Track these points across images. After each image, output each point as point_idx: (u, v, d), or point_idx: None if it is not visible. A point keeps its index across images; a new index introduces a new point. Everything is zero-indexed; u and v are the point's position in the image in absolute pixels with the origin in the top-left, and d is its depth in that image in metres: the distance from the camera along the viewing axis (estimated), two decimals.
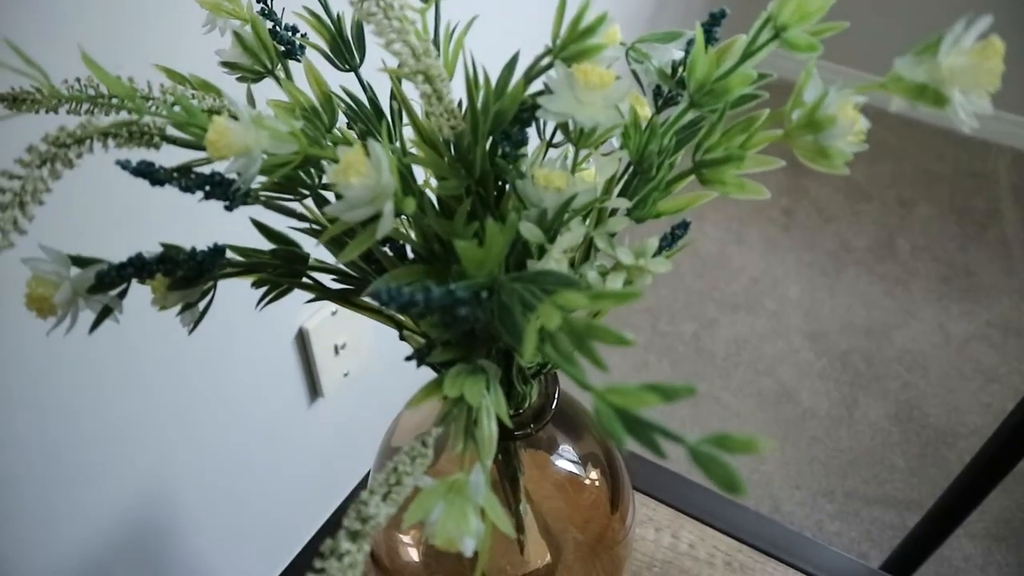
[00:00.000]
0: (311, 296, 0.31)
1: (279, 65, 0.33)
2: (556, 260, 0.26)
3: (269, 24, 0.33)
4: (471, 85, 0.25)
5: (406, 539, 0.47)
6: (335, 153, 0.24)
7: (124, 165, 0.23)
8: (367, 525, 0.22)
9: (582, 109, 0.25)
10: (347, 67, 0.32)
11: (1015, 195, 1.73)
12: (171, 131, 0.25)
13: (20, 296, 0.23)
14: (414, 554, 0.47)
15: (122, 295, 0.25)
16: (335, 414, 0.92)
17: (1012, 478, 1.26)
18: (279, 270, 0.29)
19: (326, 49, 0.32)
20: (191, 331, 0.28)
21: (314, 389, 0.85)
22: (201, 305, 0.28)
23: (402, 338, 0.35)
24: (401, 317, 0.34)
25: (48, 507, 0.57)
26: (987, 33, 0.21)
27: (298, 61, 0.33)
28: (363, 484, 0.58)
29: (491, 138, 0.26)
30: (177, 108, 0.25)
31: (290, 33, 0.33)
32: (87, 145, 0.23)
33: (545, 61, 0.26)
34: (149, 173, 0.23)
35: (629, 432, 0.18)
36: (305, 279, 0.30)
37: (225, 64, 0.32)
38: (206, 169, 0.25)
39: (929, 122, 1.92)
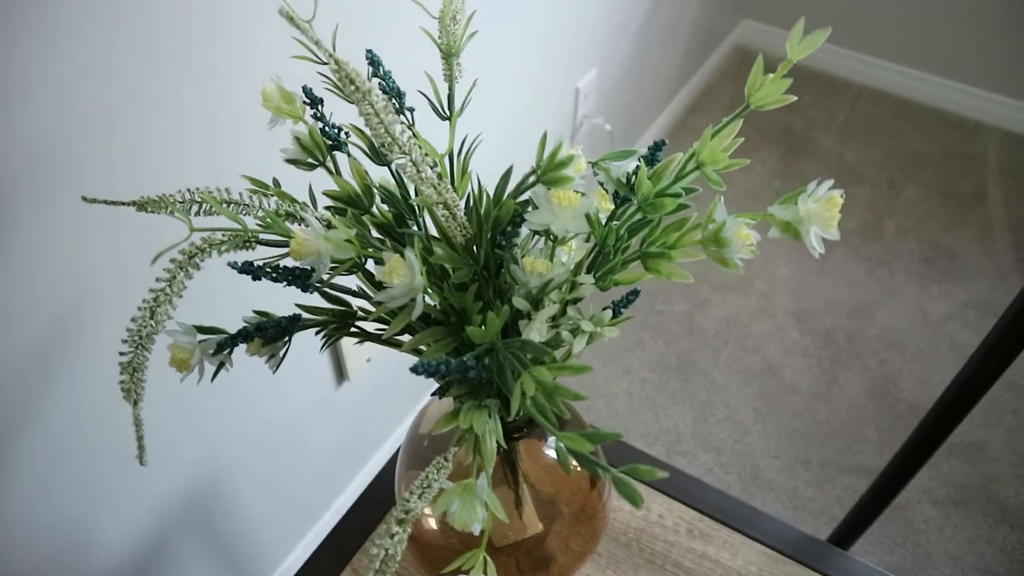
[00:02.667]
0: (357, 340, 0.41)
1: (328, 158, 0.42)
2: (539, 327, 0.36)
3: (319, 124, 0.42)
4: (476, 200, 0.35)
5: (427, 511, 0.58)
6: (379, 254, 0.34)
7: (233, 266, 0.33)
8: (409, 515, 0.32)
9: (557, 221, 0.35)
10: (381, 163, 0.41)
11: (1002, 176, 1.80)
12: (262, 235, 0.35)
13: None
14: (433, 523, 0.58)
15: (230, 353, 0.35)
16: (359, 393, 1.04)
17: (973, 448, 1.38)
18: (336, 323, 0.40)
19: (365, 149, 0.42)
20: (275, 372, 0.38)
21: (341, 373, 0.96)
22: (281, 353, 0.38)
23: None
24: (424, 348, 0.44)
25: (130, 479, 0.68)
26: (831, 190, 0.30)
27: (344, 153, 0.43)
28: (387, 459, 0.68)
29: (491, 234, 0.36)
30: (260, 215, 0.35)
31: (336, 131, 0.42)
32: (207, 253, 0.33)
33: (531, 180, 0.36)
34: (251, 271, 0.33)
35: (582, 463, 0.28)
36: (354, 328, 0.41)
37: (289, 160, 0.42)
38: (285, 262, 0.35)
39: (924, 102, 1.97)
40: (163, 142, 0.62)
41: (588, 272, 0.39)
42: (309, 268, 0.34)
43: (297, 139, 0.41)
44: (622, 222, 0.37)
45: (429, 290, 0.38)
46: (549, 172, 0.35)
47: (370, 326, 0.42)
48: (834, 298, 1.55)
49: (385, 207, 0.42)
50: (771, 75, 0.33)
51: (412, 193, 0.40)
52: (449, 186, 0.33)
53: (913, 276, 1.59)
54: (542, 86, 1.21)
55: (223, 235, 0.33)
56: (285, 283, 0.34)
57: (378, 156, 0.42)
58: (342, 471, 1.12)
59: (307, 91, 0.42)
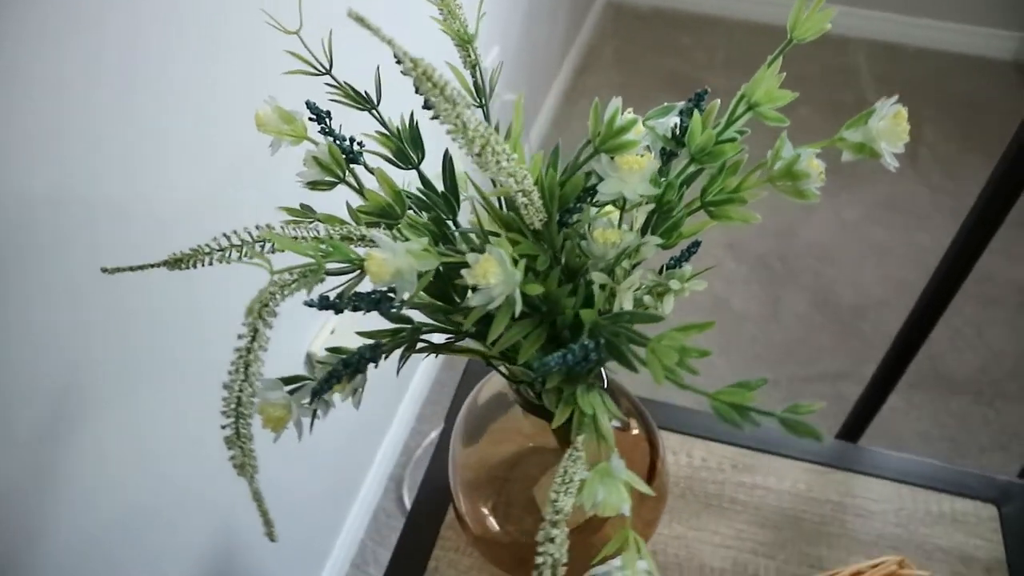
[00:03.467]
0: (423, 352, 0.39)
1: (348, 173, 0.40)
2: (628, 296, 0.35)
3: (330, 140, 0.39)
4: (542, 181, 0.34)
5: (485, 511, 0.57)
6: (462, 258, 0.32)
7: (311, 304, 0.31)
8: (561, 514, 0.31)
9: (627, 186, 0.34)
10: (409, 166, 0.39)
11: (876, 83, 1.94)
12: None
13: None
14: (493, 522, 0.57)
15: (320, 398, 0.33)
16: (345, 414, 1.00)
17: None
18: (405, 341, 0.37)
19: (389, 155, 0.39)
20: (358, 407, 0.36)
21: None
22: (361, 388, 0.36)
23: (488, 364, 0.44)
24: (486, 351, 0.42)
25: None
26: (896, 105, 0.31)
27: (361, 166, 0.40)
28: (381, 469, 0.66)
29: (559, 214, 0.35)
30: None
31: (349, 143, 0.40)
32: (279, 296, 0.30)
33: (587, 152, 0.35)
34: (332, 305, 0.31)
35: (740, 416, 0.28)
36: (420, 343, 0.39)
37: (309, 185, 0.39)
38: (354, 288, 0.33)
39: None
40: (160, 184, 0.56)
41: (645, 234, 0.38)
42: (385, 290, 0.32)
43: (314, 159, 0.38)
44: (677, 177, 0.37)
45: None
46: (610, 140, 0.34)
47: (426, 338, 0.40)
48: (758, 223, 1.62)
49: (411, 212, 0.40)
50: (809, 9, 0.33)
51: (471, 187, 0.39)
52: (527, 172, 0.31)
53: (823, 189, 1.69)
54: (407, 83, 1.18)
55: (291, 274, 0.30)
56: (366, 311, 0.32)
57: (404, 158, 0.39)
58: (343, 488, 1.08)
59: (312, 106, 0.39)
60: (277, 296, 0.29)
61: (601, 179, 0.35)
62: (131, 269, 0.33)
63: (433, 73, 0.27)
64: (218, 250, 0.33)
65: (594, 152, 0.35)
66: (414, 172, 0.40)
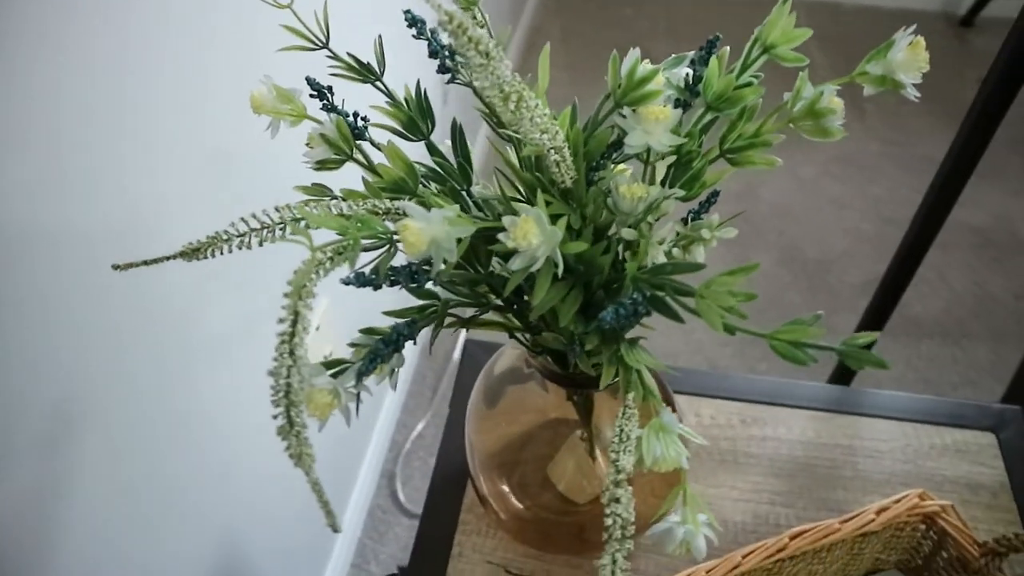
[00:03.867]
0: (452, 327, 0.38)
1: (355, 150, 0.38)
2: (659, 249, 0.35)
3: (333, 116, 0.38)
4: (569, 138, 0.33)
5: (507, 489, 0.56)
6: (497, 222, 0.31)
7: (349, 281, 0.29)
8: (622, 473, 0.31)
9: (653, 138, 0.34)
10: (419, 138, 0.38)
11: (819, 42, 1.98)
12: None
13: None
14: (515, 500, 0.56)
15: (362, 380, 0.31)
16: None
17: (876, 283, 1.55)
18: (435, 317, 0.36)
19: (398, 128, 0.38)
20: (395, 388, 0.34)
21: None
22: (399, 368, 0.34)
23: (511, 336, 0.43)
24: (516, 322, 0.41)
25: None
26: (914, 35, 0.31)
27: (368, 142, 0.39)
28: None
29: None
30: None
31: (354, 119, 0.38)
32: (320, 274, 0.29)
33: (607, 107, 0.34)
34: (370, 281, 0.30)
35: (800, 353, 0.28)
36: (448, 318, 0.38)
37: (317, 163, 0.37)
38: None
39: None
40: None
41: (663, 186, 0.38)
42: (415, 264, 0.31)
43: (322, 136, 0.36)
44: (695, 126, 0.37)
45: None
46: (631, 92, 0.33)
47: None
48: (719, 186, 1.65)
49: (422, 186, 0.38)
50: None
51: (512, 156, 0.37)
52: (558, 128, 0.30)
53: (776, 148, 1.72)
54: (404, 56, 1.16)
55: (326, 252, 0.29)
56: (404, 285, 0.31)
57: (414, 131, 0.38)
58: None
59: (312, 82, 0.37)
60: (319, 273, 0.27)
61: (623, 134, 0.34)
62: (145, 263, 0.31)
63: (468, 27, 0.26)
64: (237, 236, 0.31)
65: (615, 106, 0.34)
66: (413, 150, 0.39)
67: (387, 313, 0.36)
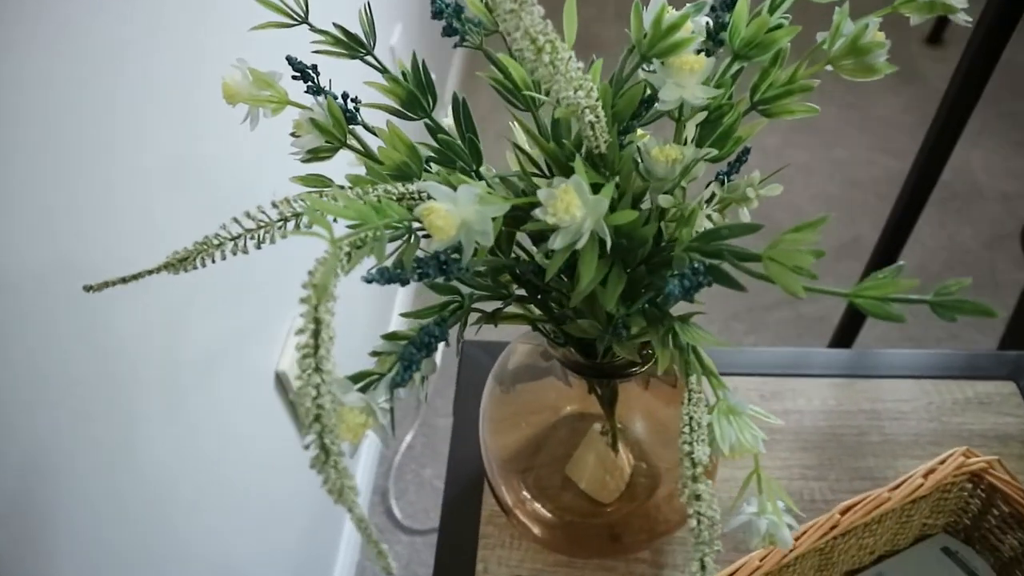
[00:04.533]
0: (472, 321, 0.34)
1: (348, 135, 0.34)
2: (702, 215, 0.32)
3: (322, 99, 0.33)
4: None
5: (526, 494, 0.52)
6: (532, 198, 0.27)
7: (372, 278, 0.25)
8: (699, 467, 0.27)
9: (687, 90, 0.30)
10: (421, 115, 0.34)
11: None
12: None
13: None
14: (539, 507, 0.52)
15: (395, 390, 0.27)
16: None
17: (852, 243, 1.56)
18: (462, 315, 0.32)
19: (395, 107, 0.34)
20: (426, 400, 0.30)
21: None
22: (426, 376, 0.30)
23: (535, 329, 0.39)
24: (538, 312, 0.38)
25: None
26: None
27: (360, 125, 0.34)
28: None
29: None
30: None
31: (344, 101, 0.34)
32: (341, 271, 0.24)
33: (633, 60, 0.31)
34: (396, 277, 0.25)
35: (888, 308, 0.25)
36: (472, 313, 0.34)
37: (309, 152, 0.33)
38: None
39: None
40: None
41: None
42: (443, 253, 0.27)
43: (312, 121, 0.32)
44: (723, 75, 0.33)
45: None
46: (659, 42, 0.30)
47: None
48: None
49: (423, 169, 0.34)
50: None
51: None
52: (592, 84, 0.27)
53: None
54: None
55: (343, 247, 0.24)
56: (433, 277, 0.26)
57: (415, 108, 0.34)
58: (330, 526, 1.00)
59: (294, 61, 0.33)
60: (339, 271, 0.23)
61: (654, 91, 0.31)
62: (123, 281, 0.27)
63: None
64: (231, 238, 0.27)
65: (641, 59, 0.31)
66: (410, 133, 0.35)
67: (405, 315, 0.32)
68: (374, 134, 0.34)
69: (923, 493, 0.46)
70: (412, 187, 0.28)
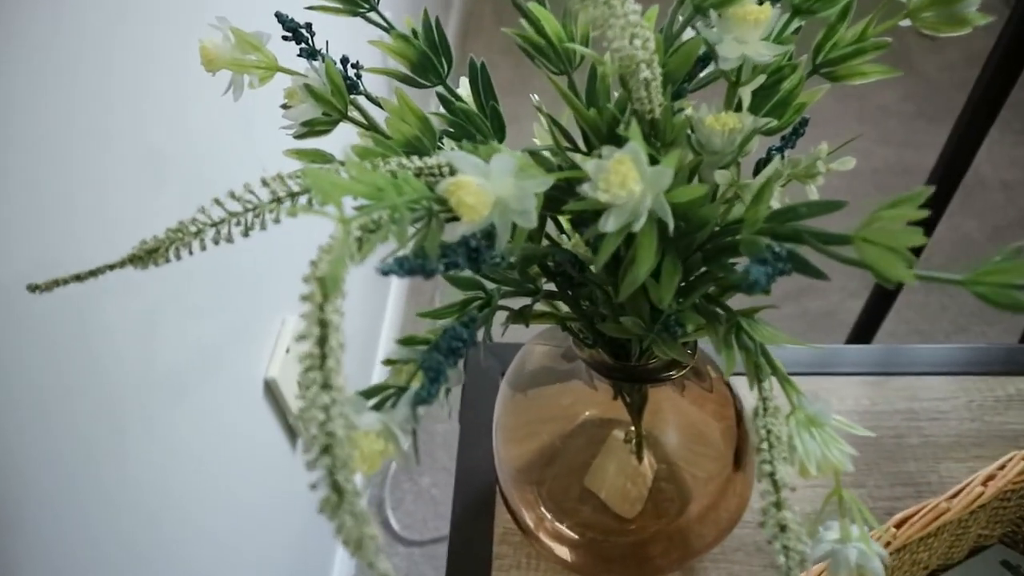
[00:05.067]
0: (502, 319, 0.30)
1: (349, 107, 0.29)
2: (772, 191, 0.27)
3: (317, 64, 0.29)
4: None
5: (547, 514, 0.48)
6: (578, 172, 0.23)
7: (387, 270, 0.20)
8: (784, 490, 0.23)
9: (749, 46, 0.26)
10: (435, 81, 0.29)
11: None
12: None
13: None
14: (562, 527, 0.48)
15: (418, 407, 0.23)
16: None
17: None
18: (484, 311, 0.28)
19: (404, 71, 0.29)
20: (451, 415, 0.26)
21: (293, 433, 0.79)
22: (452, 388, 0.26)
23: (564, 329, 0.35)
24: (566, 309, 0.33)
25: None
26: None
27: (362, 95, 0.30)
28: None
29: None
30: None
31: (343, 66, 0.29)
32: (354, 260, 0.20)
33: (686, 12, 0.26)
34: (419, 268, 0.21)
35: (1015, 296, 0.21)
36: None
37: (304, 125, 0.28)
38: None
39: None
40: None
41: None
42: (473, 238, 0.22)
43: (307, 88, 0.27)
44: (780, 34, 0.29)
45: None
46: None
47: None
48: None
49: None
50: None
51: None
52: (649, 34, 0.22)
53: None
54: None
55: (357, 228, 0.20)
56: (462, 267, 0.22)
57: (427, 73, 0.29)
58: (322, 542, 0.95)
59: (285, 19, 0.28)
60: (351, 260, 0.19)
61: (709, 48, 0.26)
62: (78, 279, 0.22)
63: None
64: (212, 224, 0.22)
65: (695, 11, 0.26)
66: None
67: (423, 314, 0.27)
68: (378, 106, 0.30)
69: (983, 502, 0.42)
70: (432, 160, 0.23)
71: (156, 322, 0.52)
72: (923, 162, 1.45)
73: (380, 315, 1.27)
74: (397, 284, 1.38)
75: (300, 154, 0.25)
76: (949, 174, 0.70)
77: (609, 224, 0.22)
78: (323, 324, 0.18)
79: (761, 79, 0.29)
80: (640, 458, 0.49)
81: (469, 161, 0.21)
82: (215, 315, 0.61)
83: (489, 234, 0.22)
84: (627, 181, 0.22)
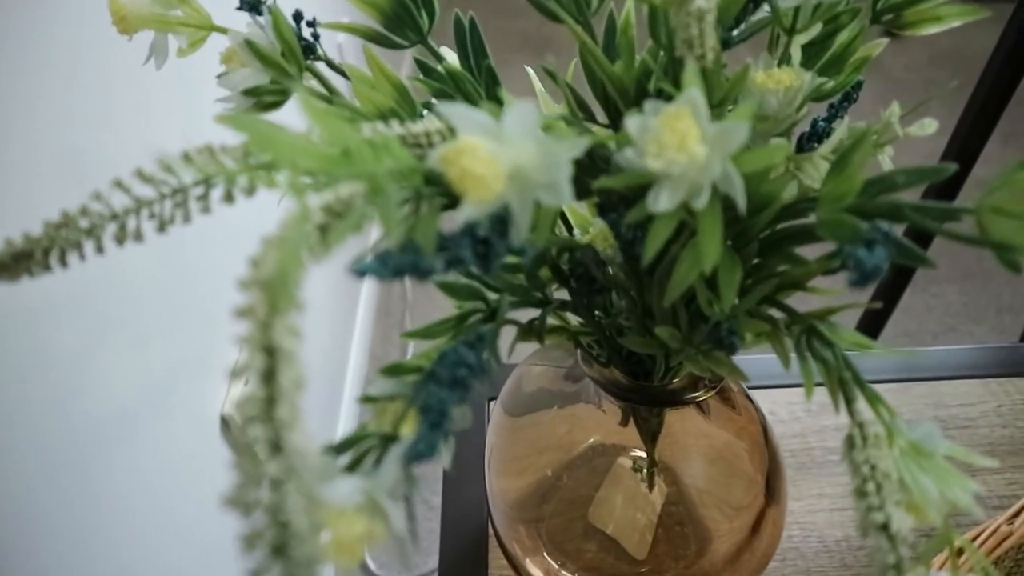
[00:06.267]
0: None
1: (304, 72, 0.23)
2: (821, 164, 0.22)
3: (262, 18, 0.22)
4: None
5: (551, 560, 0.42)
6: (610, 135, 0.17)
7: (364, 269, 0.14)
8: (902, 547, 0.17)
9: None
10: (414, 39, 0.23)
11: None
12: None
13: None
14: (562, 569, 0.42)
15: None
16: None
17: None
18: (490, 327, 0.22)
19: (376, 27, 0.23)
20: (449, 464, 0.19)
21: None
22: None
23: (577, 345, 0.29)
24: (575, 322, 0.27)
25: None
26: None
27: (321, 60, 0.24)
28: None
29: None
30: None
31: (295, 23, 0.23)
32: (314, 253, 0.14)
33: None
34: (411, 267, 0.15)
35: None
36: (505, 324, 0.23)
37: (248, 95, 0.22)
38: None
39: None
40: None
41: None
42: (481, 227, 0.16)
43: (249, 45, 0.21)
44: None
45: None
46: None
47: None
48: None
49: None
50: None
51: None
52: None
53: None
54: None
55: (320, 211, 0.14)
56: (467, 264, 0.16)
57: (405, 28, 0.23)
58: None
59: None
60: (311, 254, 0.12)
61: None
62: None
63: None
64: (111, 217, 0.16)
65: None
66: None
67: (409, 335, 0.21)
68: (342, 74, 0.23)
69: None
70: (417, 127, 0.17)
71: (84, 353, 0.45)
72: (899, 160, 1.44)
73: (347, 337, 1.19)
74: (366, 298, 1.30)
75: (237, 122, 0.19)
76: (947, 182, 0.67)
77: (661, 201, 0.16)
78: (270, 351, 0.12)
79: (816, 29, 0.23)
80: (651, 487, 0.43)
81: (473, 117, 0.15)
82: (161, 342, 0.54)
83: (501, 220, 0.16)
84: (686, 141, 0.16)
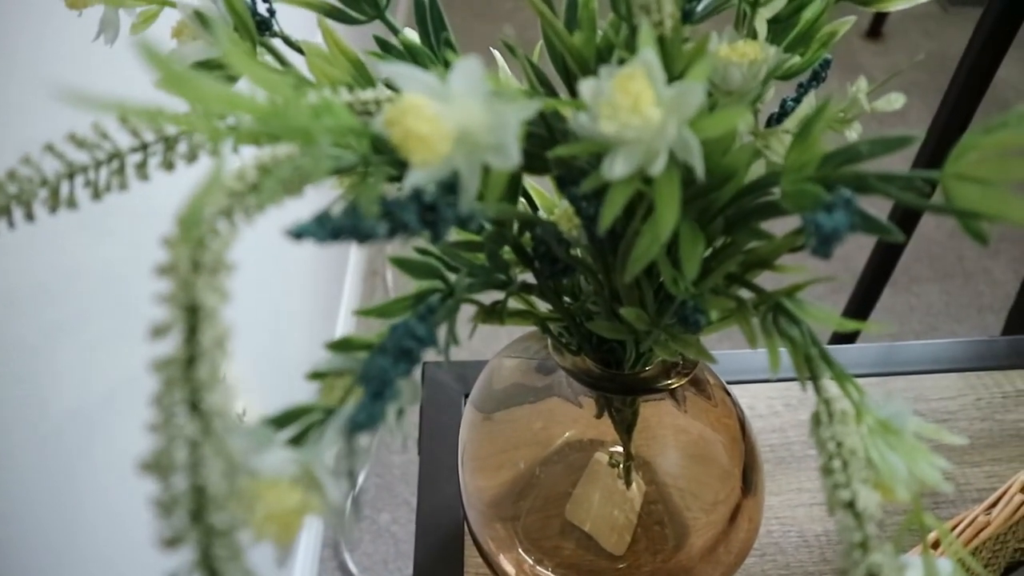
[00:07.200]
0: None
1: (259, 44, 0.22)
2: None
3: None
4: None
5: (528, 557, 0.41)
6: (569, 101, 0.17)
7: (302, 231, 0.14)
8: (870, 523, 0.17)
9: None
10: (371, 13, 0.23)
11: None
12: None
13: None
14: (539, 567, 0.41)
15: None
16: None
17: None
18: (447, 305, 0.21)
19: (334, 3, 0.22)
20: (405, 443, 0.19)
21: None
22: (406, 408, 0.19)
23: (543, 330, 0.28)
24: (543, 308, 0.27)
25: None
26: None
27: (277, 36, 0.23)
28: None
29: None
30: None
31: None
32: (239, 216, 0.13)
33: None
34: (350, 229, 0.14)
35: None
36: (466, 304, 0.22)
37: (197, 67, 0.21)
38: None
39: None
40: None
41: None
42: (428, 192, 0.16)
43: (199, 16, 0.20)
44: None
45: None
46: None
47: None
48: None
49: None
50: None
51: None
52: None
53: None
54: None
55: (253, 169, 0.13)
56: (412, 231, 0.15)
57: (357, 4, 0.23)
58: None
59: None
60: (233, 215, 0.12)
61: None
62: None
63: None
64: (40, 183, 0.15)
65: None
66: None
67: (364, 312, 0.20)
68: (299, 51, 0.23)
69: None
70: (368, 94, 0.17)
71: (27, 370, 0.44)
72: (876, 165, 1.45)
73: (333, 318, 1.18)
74: (352, 280, 1.30)
75: (175, 85, 0.18)
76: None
77: (616, 167, 0.16)
78: (192, 309, 0.11)
79: (780, 4, 0.23)
80: (628, 483, 0.42)
81: (419, 77, 0.15)
82: (113, 358, 0.53)
83: (450, 187, 0.16)
84: (640, 103, 0.15)
